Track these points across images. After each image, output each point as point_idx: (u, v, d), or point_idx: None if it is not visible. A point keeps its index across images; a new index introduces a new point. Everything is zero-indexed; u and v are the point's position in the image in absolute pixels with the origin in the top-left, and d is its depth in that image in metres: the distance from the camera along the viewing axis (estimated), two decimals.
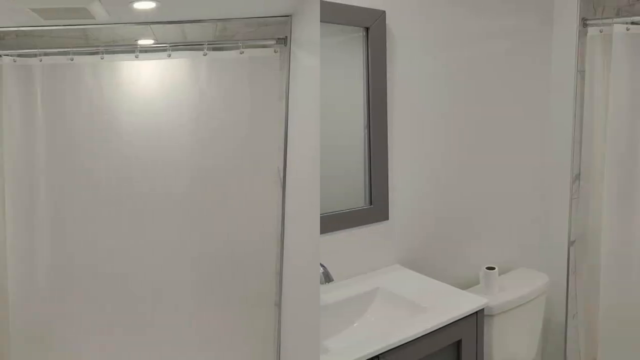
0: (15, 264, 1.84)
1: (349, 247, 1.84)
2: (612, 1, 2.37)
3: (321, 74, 1.65)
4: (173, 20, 1.83)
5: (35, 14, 1.67)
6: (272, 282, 1.92)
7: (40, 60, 1.81)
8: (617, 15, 2.36)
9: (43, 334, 1.88)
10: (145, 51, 1.85)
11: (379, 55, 1.81)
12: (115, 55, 1.84)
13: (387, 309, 1.70)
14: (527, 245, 2.52)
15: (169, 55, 1.85)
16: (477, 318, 1.64)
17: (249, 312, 1.91)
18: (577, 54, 2.36)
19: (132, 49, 1.84)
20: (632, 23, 2.19)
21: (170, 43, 1.85)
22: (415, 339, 1.45)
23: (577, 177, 2.44)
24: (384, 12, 1.80)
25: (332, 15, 1.66)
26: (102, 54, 1.83)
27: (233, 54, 1.85)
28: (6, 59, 1.78)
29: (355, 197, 1.85)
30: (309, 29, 1.65)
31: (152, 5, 1.68)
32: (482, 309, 1.64)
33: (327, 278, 1.56)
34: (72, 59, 1.82)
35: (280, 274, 1.91)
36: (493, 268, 2.08)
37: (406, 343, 1.43)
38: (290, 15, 1.84)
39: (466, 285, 2.21)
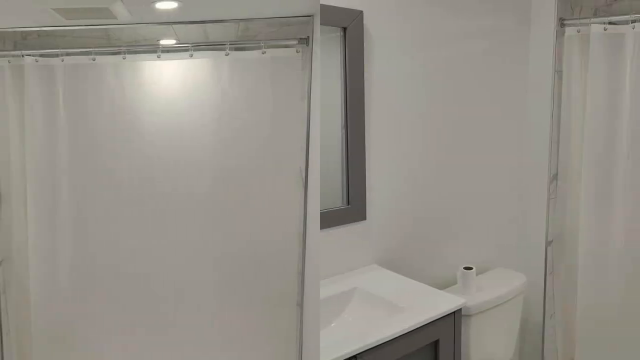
0: (37, 264, 1.83)
1: (326, 247, 1.83)
2: (590, 1, 2.36)
3: None
4: (195, 20, 1.83)
5: (57, 14, 1.67)
6: (294, 282, 1.92)
7: (62, 60, 1.81)
8: (595, 15, 2.34)
9: (65, 334, 1.88)
10: (167, 51, 1.84)
11: (357, 55, 1.81)
12: (138, 55, 1.84)
13: (365, 309, 1.70)
14: (504, 245, 2.51)
15: (191, 56, 1.84)
16: (454, 318, 1.64)
17: (272, 312, 1.91)
18: (555, 54, 2.35)
19: (154, 49, 1.84)
20: (610, 23, 2.17)
21: (193, 43, 1.84)
22: (393, 339, 1.45)
23: (554, 177, 2.43)
24: (361, 12, 1.80)
25: None
26: (124, 54, 1.83)
27: (255, 54, 1.84)
28: (28, 59, 1.78)
29: (333, 197, 1.85)
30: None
31: (174, 5, 1.68)
32: (460, 309, 1.65)
33: None
34: (94, 59, 1.82)
35: (302, 273, 1.91)
36: (470, 268, 2.09)
37: (384, 343, 1.43)
38: (312, 16, 1.83)
39: (444, 285, 2.20)
